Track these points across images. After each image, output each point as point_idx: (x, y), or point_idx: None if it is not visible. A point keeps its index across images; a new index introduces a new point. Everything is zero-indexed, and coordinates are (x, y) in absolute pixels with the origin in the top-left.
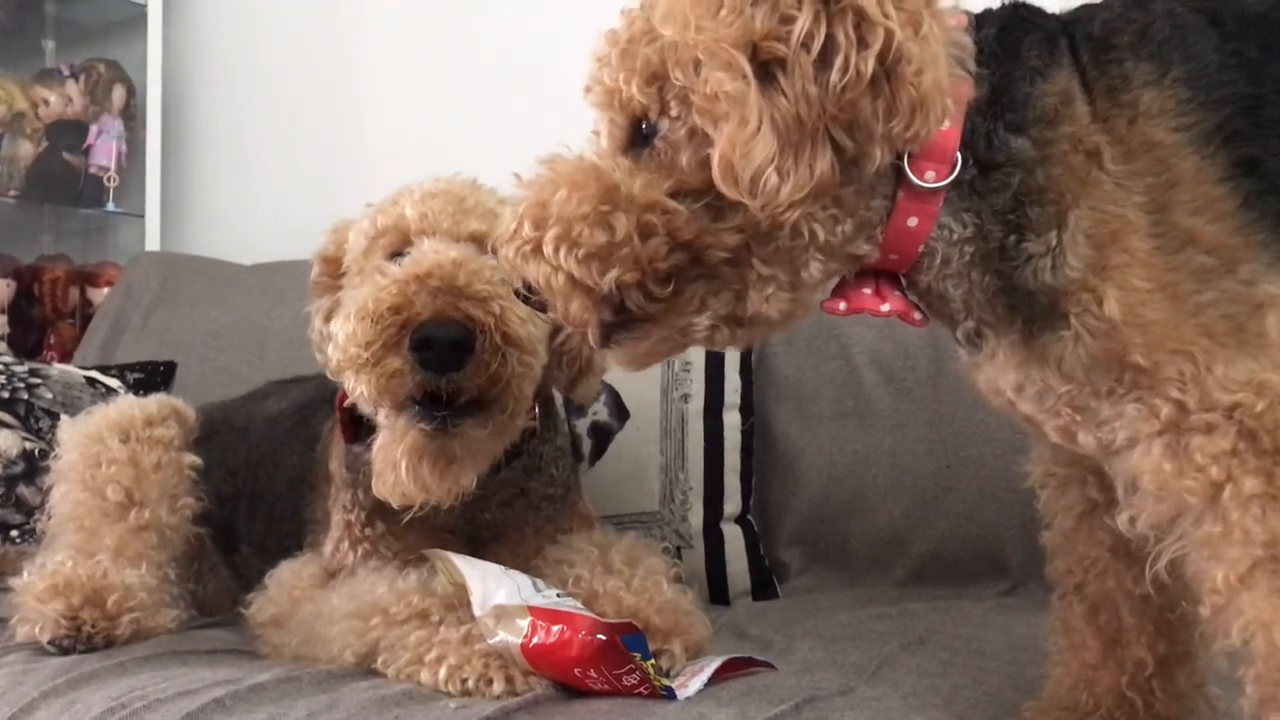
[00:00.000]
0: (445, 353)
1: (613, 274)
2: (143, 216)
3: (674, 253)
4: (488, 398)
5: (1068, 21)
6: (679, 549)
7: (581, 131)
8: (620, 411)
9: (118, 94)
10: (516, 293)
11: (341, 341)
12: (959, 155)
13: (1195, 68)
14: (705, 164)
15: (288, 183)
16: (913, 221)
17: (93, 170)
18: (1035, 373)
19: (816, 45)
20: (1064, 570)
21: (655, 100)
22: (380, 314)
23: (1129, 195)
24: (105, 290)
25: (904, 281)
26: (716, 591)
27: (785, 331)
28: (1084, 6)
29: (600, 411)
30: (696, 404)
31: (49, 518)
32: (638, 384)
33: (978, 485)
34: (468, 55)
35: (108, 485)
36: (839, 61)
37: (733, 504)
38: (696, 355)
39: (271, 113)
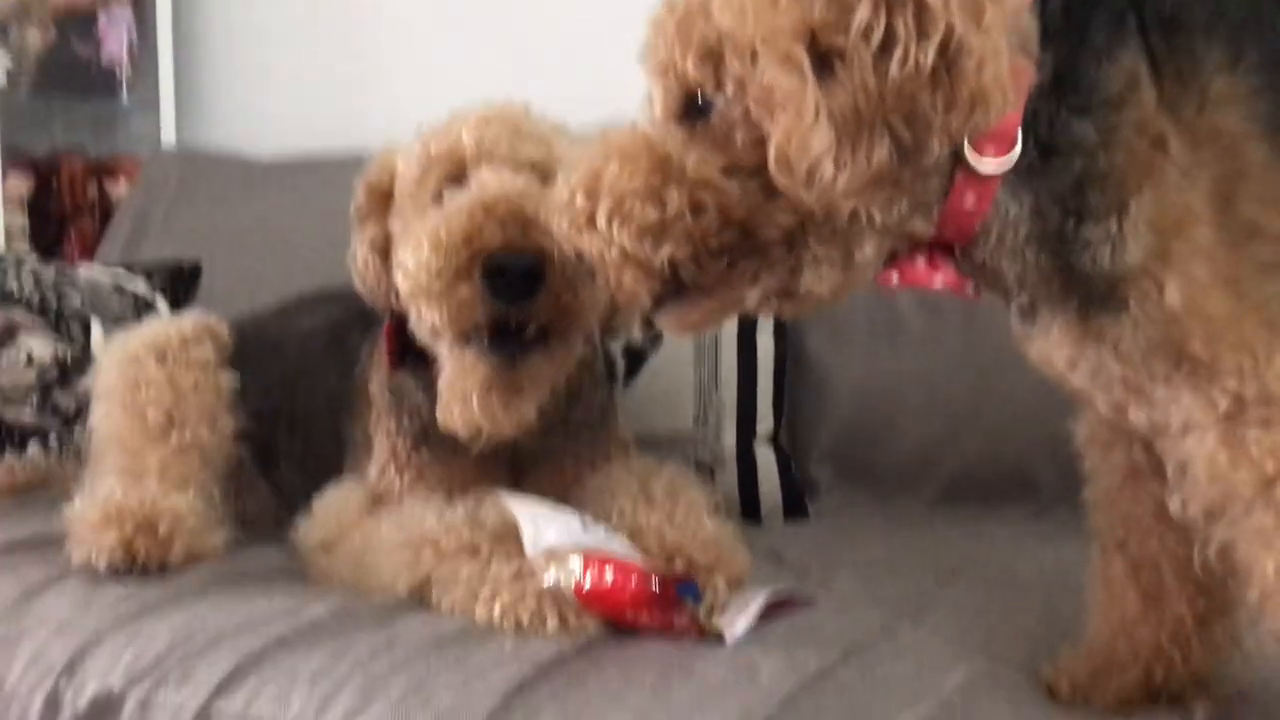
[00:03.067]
0: (517, 281)
1: (666, 249)
2: (157, 108)
3: (726, 230)
4: (554, 328)
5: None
6: (712, 469)
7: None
8: (654, 334)
9: None
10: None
11: (412, 269)
12: (1019, 137)
13: (1270, 53)
14: (760, 144)
15: (303, 71)
16: (970, 202)
17: (104, 61)
18: (1090, 351)
19: (876, 37)
20: (1106, 527)
21: (710, 77)
22: (453, 243)
23: (1194, 185)
24: (123, 183)
25: (958, 254)
26: (749, 509)
27: (835, 304)
28: None
29: (634, 334)
30: (730, 327)
31: (90, 437)
32: None
33: (1009, 407)
34: None
35: (148, 407)
36: (898, 53)
37: (765, 425)
38: None
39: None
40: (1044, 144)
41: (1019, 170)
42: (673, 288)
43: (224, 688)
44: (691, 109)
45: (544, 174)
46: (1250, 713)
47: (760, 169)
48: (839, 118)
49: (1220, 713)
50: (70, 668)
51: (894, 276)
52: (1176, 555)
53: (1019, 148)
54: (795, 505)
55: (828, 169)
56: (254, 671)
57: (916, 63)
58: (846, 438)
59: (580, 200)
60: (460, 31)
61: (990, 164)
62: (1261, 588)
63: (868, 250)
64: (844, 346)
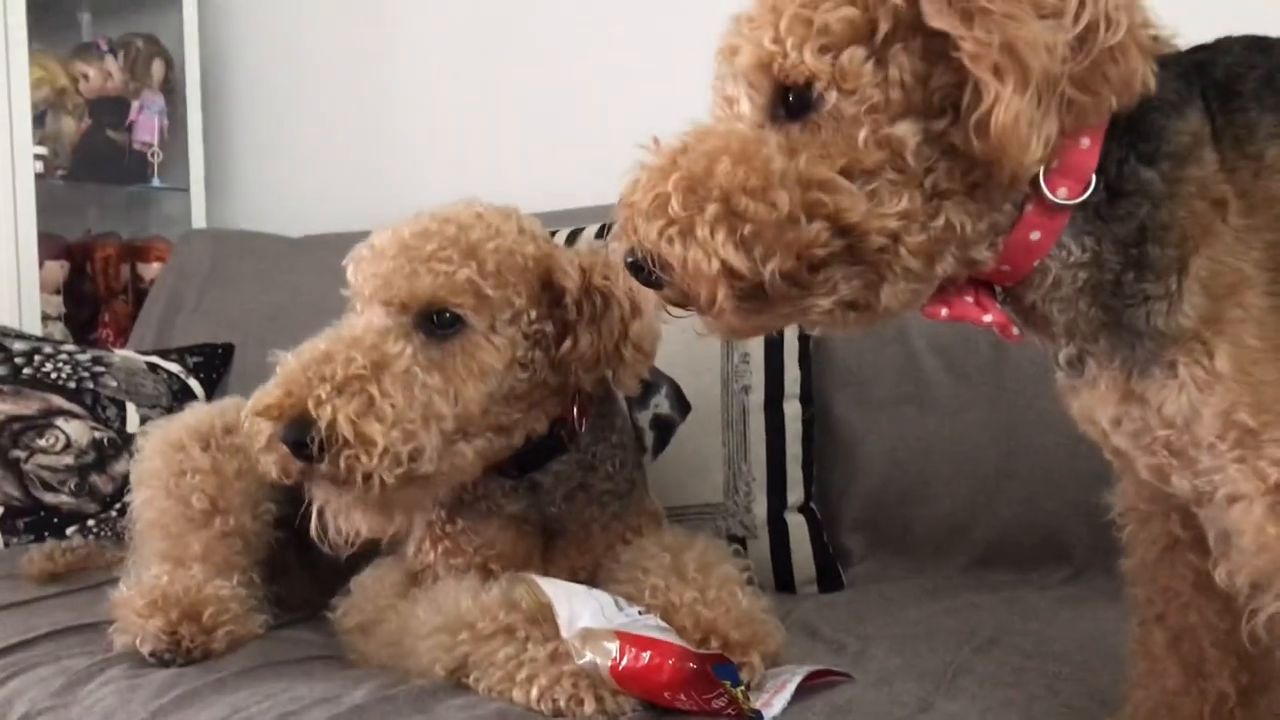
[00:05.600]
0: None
1: (774, 262)
2: (187, 190)
3: (835, 238)
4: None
5: (1193, 64)
6: (744, 540)
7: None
8: (682, 404)
9: (156, 68)
10: (632, 265)
11: None
12: (1094, 178)
13: None
14: (884, 143)
15: (328, 153)
16: (1035, 235)
17: (136, 146)
18: (1135, 410)
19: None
20: (1144, 600)
21: (827, 70)
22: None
23: (1248, 250)
24: (155, 265)
25: (1000, 294)
26: (782, 580)
27: (887, 322)
28: (1201, 49)
29: (662, 404)
30: (757, 396)
31: (133, 522)
32: (699, 377)
33: (1040, 471)
34: (508, 37)
35: (193, 494)
36: (1102, 33)
37: (795, 494)
38: (755, 347)
39: (310, 84)
40: (1112, 187)
41: (1086, 211)
42: (745, 295)
43: None
44: (778, 110)
45: (427, 304)
46: None
47: (878, 170)
48: (1041, 87)
49: None
50: None
51: (943, 311)
52: (1217, 628)
53: (1093, 186)
54: (829, 575)
55: (1031, 138)
56: None
57: (1106, 41)
58: (877, 505)
59: (676, 206)
60: (480, 110)
61: (1064, 195)
62: None
63: (947, 264)
64: (871, 413)
